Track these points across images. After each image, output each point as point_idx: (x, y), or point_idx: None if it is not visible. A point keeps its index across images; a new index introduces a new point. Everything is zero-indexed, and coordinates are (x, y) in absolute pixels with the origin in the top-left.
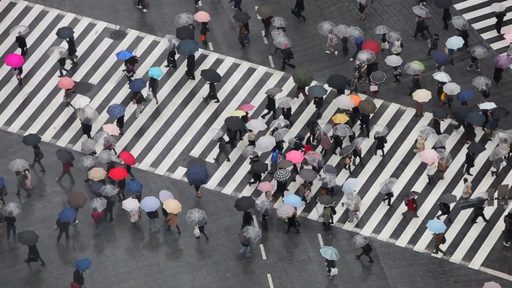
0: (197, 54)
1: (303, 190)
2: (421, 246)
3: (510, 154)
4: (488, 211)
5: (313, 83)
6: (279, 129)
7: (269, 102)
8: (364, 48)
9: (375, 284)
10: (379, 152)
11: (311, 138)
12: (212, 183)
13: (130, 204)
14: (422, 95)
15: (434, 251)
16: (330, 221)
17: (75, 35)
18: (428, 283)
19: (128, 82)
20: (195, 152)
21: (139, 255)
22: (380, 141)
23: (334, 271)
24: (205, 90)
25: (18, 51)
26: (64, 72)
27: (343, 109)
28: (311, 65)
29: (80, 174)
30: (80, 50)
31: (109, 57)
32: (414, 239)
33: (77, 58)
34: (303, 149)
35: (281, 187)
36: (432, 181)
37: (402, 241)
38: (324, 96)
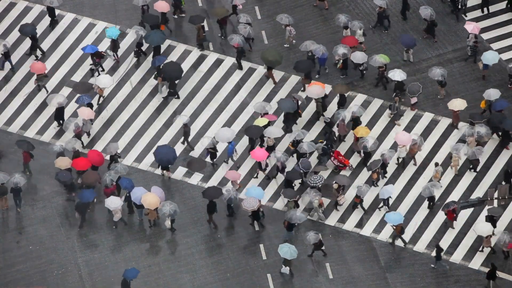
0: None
1: (336, 194)
2: (421, 246)
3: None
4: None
5: (283, 99)
6: (300, 141)
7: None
8: (343, 43)
9: (375, 284)
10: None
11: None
12: (212, 183)
13: (113, 202)
14: (458, 103)
15: (391, 241)
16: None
17: (75, 35)
18: (428, 283)
19: (92, 75)
20: (195, 152)
21: (139, 255)
22: (355, 122)
23: (285, 269)
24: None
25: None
26: (9, 66)
27: (314, 98)
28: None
29: (44, 167)
30: (80, 50)
31: (109, 57)
32: (414, 239)
33: (43, 54)
34: (332, 155)
35: (290, 185)
36: (403, 164)
37: (402, 241)
38: (293, 111)
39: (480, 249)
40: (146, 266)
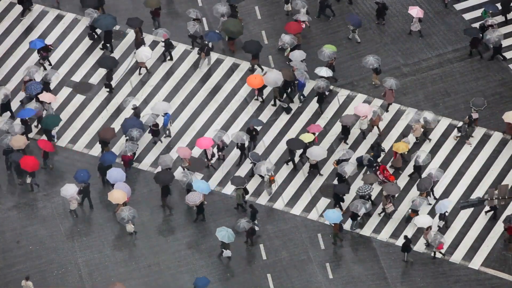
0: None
1: (385, 202)
2: (421, 246)
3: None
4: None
5: (255, 117)
6: (345, 160)
7: (343, 129)
8: (287, 29)
9: (375, 284)
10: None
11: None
12: (212, 183)
13: (67, 190)
14: None
15: (333, 241)
16: (243, 202)
17: (75, 35)
18: (428, 283)
19: (42, 70)
20: (195, 152)
21: (139, 255)
22: (320, 97)
23: (226, 253)
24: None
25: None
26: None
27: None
28: (310, 65)
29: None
30: (80, 50)
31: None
32: (414, 239)
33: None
34: (378, 168)
35: (339, 199)
36: (364, 136)
37: (402, 241)
38: (259, 128)
39: (426, 242)
40: (146, 266)
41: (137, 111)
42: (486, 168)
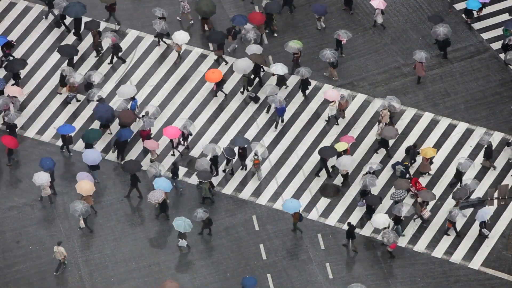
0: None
1: (420, 209)
2: (421, 246)
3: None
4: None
5: (238, 135)
6: (372, 173)
7: (382, 141)
8: (250, 20)
9: (375, 284)
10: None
11: (409, 164)
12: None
13: (40, 178)
14: None
15: (292, 229)
16: (210, 195)
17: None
18: (428, 283)
19: (4, 66)
20: (195, 152)
21: (139, 255)
22: (304, 83)
23: (182, 242)
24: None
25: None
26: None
27: (242, 74)
28: (311, 65)
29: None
30: (80, 50)
31: (109, 57)
32: (414, 239)
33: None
34: (410, 179)
35: (371, 210)
36: (336, 121)
37: (402, 241)
38: (246, 145)
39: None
40: (146, 266)
41: (101, 102)
42: (486, 168)
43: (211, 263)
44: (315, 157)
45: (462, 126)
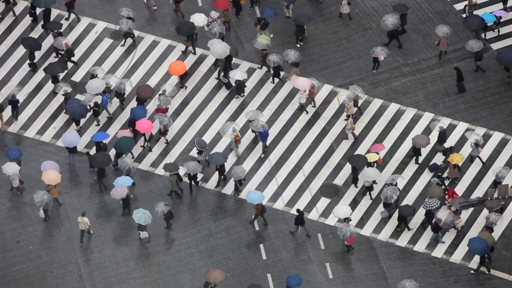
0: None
1: (455, 217)
2: (421, 246)
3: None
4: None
5: (214, 151)
6: (394, 185)
7: (414, 149)
8: (215, 6)
9: (375, 284)
10: (276, 79)
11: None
12: (212, 183)
13: (9, 168)
14: None
15: (252, 218)
16: (177, 188)
17: (75, 36)
18: (428, 283)
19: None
20: (195, 152)
21: (139, 255)
22: (276, 70)
23: (143, 234)
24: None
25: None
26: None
27: (217, 58)
28: (311, 65)
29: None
30: (80, 50)
31: (109, 57)
32: (414, 239)
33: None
34: (447, 192)
35: (403, 220)
36: (304, 109)
37: (402, 241)
38: (225, 163)
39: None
40: (146, 266)
41: (67, 96)
42: (486, 168)
43: (211, 263)
44: (315, 157)
45: (462, 126)
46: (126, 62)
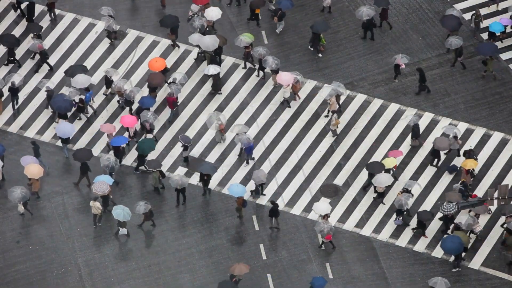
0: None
1: (475, 221)
2: (421, 246)
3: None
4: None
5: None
6: (409, 192)
7: (434, 151)
8: (194, 1)
9: (375, 284)
10: (261, 73)
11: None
12: (212, 183)
13: None
14: None
15: (238, 215)
16: (160, 185)
17: (75, 35)
18: (428, 283)
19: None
20: (195, 151)
21: (139, 255)
22: (262, 63)
23: (122, 231)
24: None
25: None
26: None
27: (205, 50)
28: (311, 65)
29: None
30: (80, 50)
31: (109, 57)
32: (414, 239)
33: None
34: (470, 196)
35: (422, 225)
36: (288, 104)
37: (402, 241)
38: (213, 174)
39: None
40: (146, 266)
41: (50, 93)
42: (486, 168)
43: (211, 263)
44: (315, 157)
45: (462, 126)
46: (126, 62)
